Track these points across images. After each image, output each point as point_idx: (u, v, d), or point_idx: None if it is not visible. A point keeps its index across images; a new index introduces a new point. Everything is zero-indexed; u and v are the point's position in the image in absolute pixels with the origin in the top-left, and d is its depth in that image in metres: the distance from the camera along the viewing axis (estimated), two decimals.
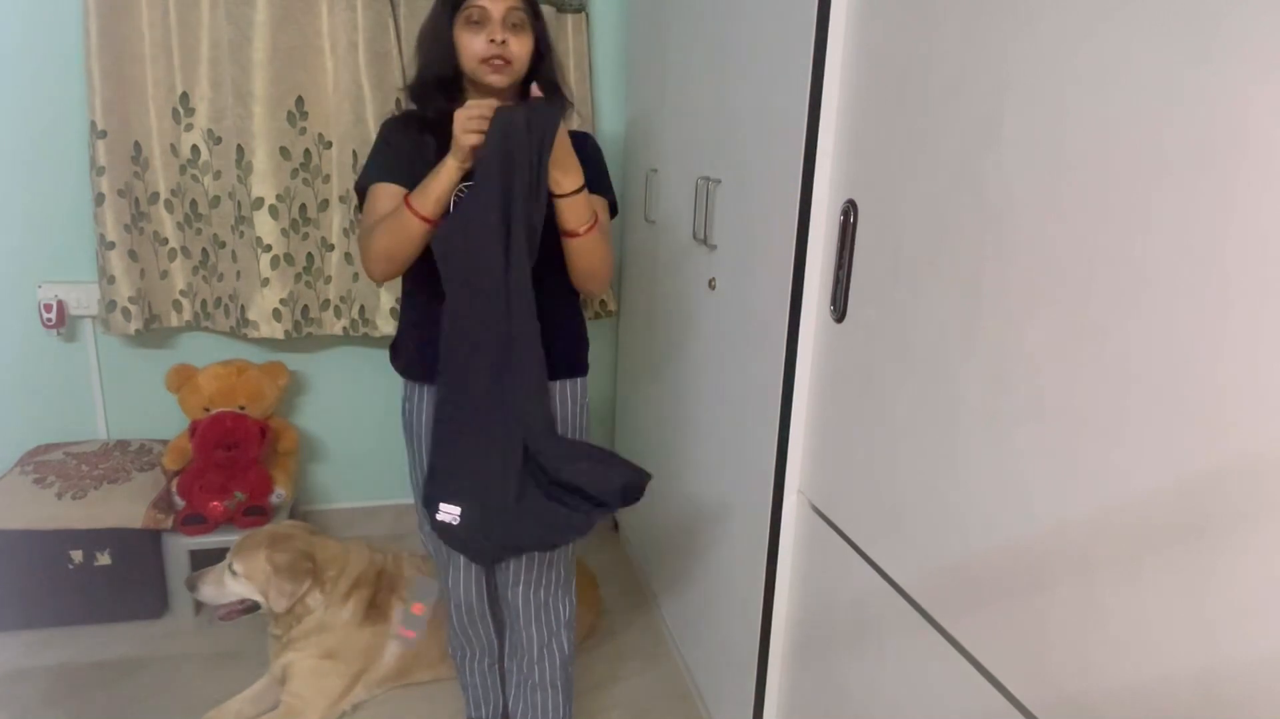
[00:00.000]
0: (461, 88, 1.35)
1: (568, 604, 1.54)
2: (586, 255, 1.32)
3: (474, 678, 1.66)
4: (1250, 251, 0.61)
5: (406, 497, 2.64)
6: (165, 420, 2.33)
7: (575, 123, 1.52)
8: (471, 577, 1.52)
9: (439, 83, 1.34)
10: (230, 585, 1.76)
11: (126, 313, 2.13)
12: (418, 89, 1.37)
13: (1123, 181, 0.71)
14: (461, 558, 1.49)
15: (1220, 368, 0.63)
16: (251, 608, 1.78)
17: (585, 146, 1.38)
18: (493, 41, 1.27)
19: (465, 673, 1.67)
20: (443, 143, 1.27)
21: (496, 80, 1.30)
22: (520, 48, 1.30)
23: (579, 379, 1.47)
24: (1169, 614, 0.68)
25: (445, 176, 1.23)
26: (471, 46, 1.28)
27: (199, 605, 2.08)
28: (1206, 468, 0.65)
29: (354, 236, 2.28)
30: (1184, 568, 0.67)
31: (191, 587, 1.79)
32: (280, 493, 2.17)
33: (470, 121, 1.18)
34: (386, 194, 1.32)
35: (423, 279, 1.33)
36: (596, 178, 1.37)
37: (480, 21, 1.28)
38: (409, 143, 1.36)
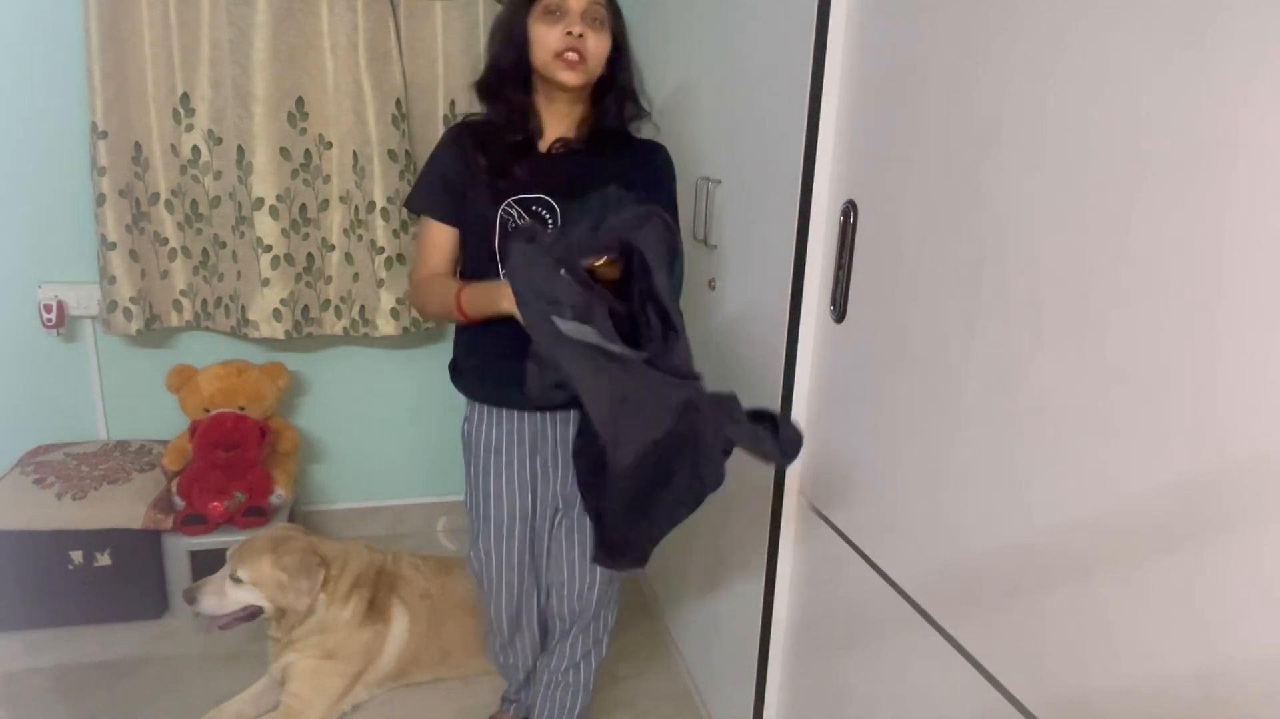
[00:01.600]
0: (531, 84, 1.27)
1: (614, 612, 1.55)
2: None
3: (518, 675, 1.64)
4: (1250, 251, 0.61)
5: (406, 497, 2.64)
6: (165, 420, 2.33)
7: (650, 131, 1.46)
8: (520, 596, 1.48)
9: (508, 76, 1.26)
10: (233, 594, 1.73)
11: (127, 313, 2.13)
12: (485, 84, 1.30)
13: (1123, 181, 0.71)
14: (514, 578, 1.45)
15: (1219, 368, 0.63)
16: (254, 614, 1.77)
17: (658, 159, 1.36)
18: (569, 34, 1.19)
19: (507, 672, 1.65)
20: (493, 162, 1.26)
21: (569, 78, 1.22)
22: (598, 46, 1.22)
23: None
24: (1168, 614, 0.68)
25: (502, 307, 1.16)
26: (546, 38, 1.20)
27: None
28: (1205, 468, 0.65)
29: (354, 236, 2.28)
30: (1183, 568, 0.67)
31: (191, 599, 1.74)
32: (280, 493, 2.17)
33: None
34: (435, 237, 1.33)
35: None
36: (668, 200, 1.35)
37: (558, 13, 1.20)
38: (460, 163, 1.30)
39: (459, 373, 1.42)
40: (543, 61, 1.22)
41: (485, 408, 1.39)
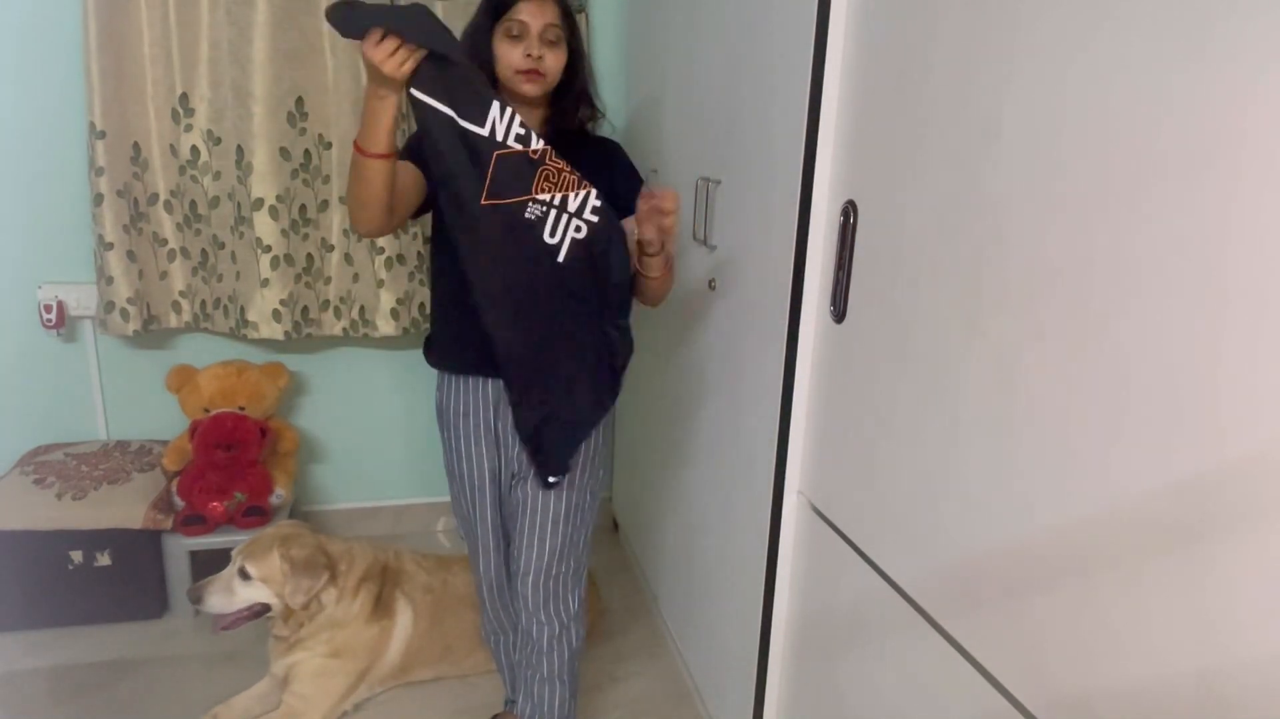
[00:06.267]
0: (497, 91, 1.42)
1: (577, 596, 1.55)
2: (657, 290, 1.44)
3: (509, 659, 1.69)
4: (1249, 251, 0.61)
5: (407, 497, 2.64)
6: (165, 421, 2.33)
7: (607, 130, 1.59)
8: (502, 558, 1.58)
9: None
10: (241, 592, 1.72)
11: (125, 314, 2.13)
12: None
13: (1122, 181, 0.71)
14: (490, 541, 1.56)
15: (1219, 368, 0.63)
16: (260, 613, 1.76)
17: (618, 158, 1.50)
18: (529, 55, 1.34)
19: (500, 656, 1.71)
20: None
21: (530, 90, 1.37)
22: (555, 61, 1.37)
23: None
24: (1168, 614, 0.68)
25: (385, 111, 1.17)
26: (509, 58, 1.35)
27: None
28: (1205, 468, 0.65)
29: (353, 236, 2.28)
30: (1183, 568, 0.67)
31: (196, 598, 1.72)
32: (280, 493, 2.17)
33: (391, 59, 1.10)
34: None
35: (448, 270, 1.41)
36: (636, 177, 1.49)
37: (519, 35, 1.34)
38: None
39: (430, 346, 1.53)
40: (506, 77, 1.37)
41: (452, 377, 1.50)
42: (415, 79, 1.16)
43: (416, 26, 1.12)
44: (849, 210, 1.16)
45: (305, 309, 2.29)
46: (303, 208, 2.22)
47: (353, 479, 2.59)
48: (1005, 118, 0.85)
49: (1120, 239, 0.72)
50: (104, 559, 2.02)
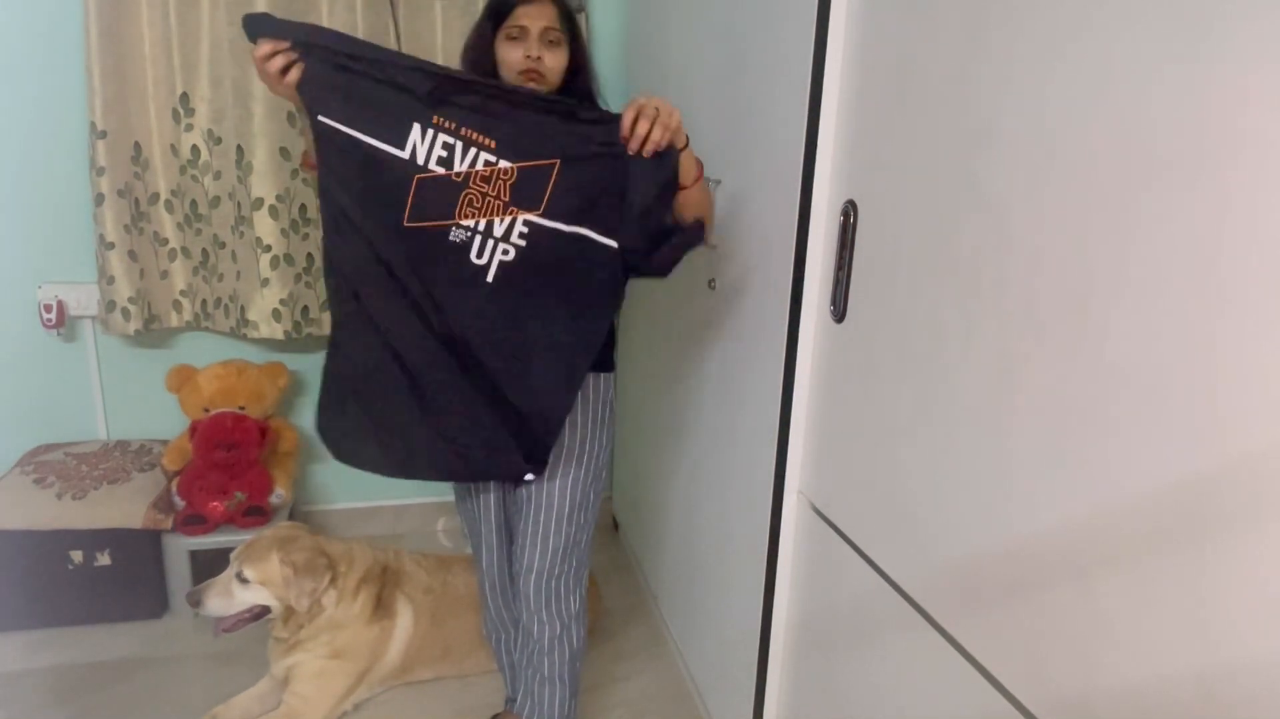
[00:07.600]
0: None
1: (579, 596, 1.55)
2: (694, 206, 1.34)
3: (510, 657, 1.69)
4: (1249, 250, 0.61)
5: (406, 497, 2.64)
6: (165, 420, 2.33)
7: None
8: (505, 555, 1.59)
9: None
10: (240, 595, 1.72)
11: (126, 313, 2.13)
12: None
13: (1122, 180, 0.71)
14: (494, 538, 1.57)
15: (1220, 368, 0.63)
16: (260, 615, 1.76)
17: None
18: (528, 56, 1.36)
19: (501, 654, 1.72)
20: None
21: None
22: (554, 63, 1.39)
23: (604, 375, 1.49)
24: (1169, 614, 0.68)
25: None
26: (510, 58, 1.38)
27: None
28: (1205, 468, 0.65)
29: None
30: (1183, 568, 0.67)
31: (195, 602, 1.71)
32: (280, 493, 2.17)
33: (270, 64, 1.16)
34: None
35: None
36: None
37: (519, 38, 1.37)
38: None
39: None
40: (508, 79, 1.39)
41: None
42: (316, 102, 1.17)
43: (307, 31, 1.14)
44: (849, 210, 1.16)
45: (305, 308, 2.29)
46: (303, 207, 2.22)
47: (353, 479, 2.57)
48: (1004, 117, 0.85)
49: (1119, 238, 0.72)
50: (104, 559, 2.02)
